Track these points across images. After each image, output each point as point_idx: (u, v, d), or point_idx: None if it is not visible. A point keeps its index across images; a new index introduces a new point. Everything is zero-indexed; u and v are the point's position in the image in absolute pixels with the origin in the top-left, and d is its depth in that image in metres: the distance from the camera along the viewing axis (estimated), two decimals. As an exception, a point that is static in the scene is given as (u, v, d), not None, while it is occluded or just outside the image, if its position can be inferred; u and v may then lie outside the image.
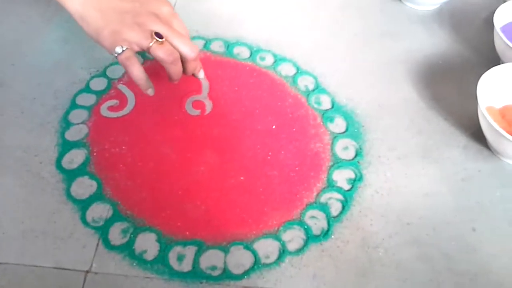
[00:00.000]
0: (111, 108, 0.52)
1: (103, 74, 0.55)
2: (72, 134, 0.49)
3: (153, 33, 0.44)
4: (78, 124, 0.50)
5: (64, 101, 0.52)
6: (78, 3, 0.44)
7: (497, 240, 0.44)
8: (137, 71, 0.45)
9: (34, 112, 0.51)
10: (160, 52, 0.44)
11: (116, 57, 0.44)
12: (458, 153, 0.50)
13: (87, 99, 0.52)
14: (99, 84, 0.54)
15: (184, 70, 0.48)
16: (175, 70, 0.46)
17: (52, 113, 0.51)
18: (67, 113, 0.51)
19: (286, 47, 0.59)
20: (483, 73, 0.49)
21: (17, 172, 0.46)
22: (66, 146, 0.48)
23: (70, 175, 0.46)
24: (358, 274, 0.41)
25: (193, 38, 0.59)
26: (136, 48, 0.44)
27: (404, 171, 0.48)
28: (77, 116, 0.51)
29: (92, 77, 0.54)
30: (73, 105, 0.51)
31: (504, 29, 0.56)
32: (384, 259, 0.42)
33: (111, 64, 0.56)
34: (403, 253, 0.43)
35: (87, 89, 0.53)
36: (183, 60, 0.47)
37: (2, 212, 0.43)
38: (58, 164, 0.47)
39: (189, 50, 0.46)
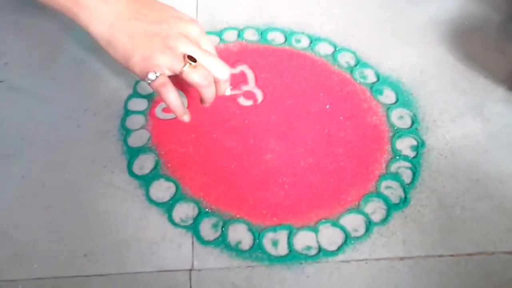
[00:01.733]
0: (166, 110, 0.52)
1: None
2: (135, 141, 0.49)
3: (186, 56, 0.42)
4: (138, 130, 0.50)
5: (117, 109, 0.52)
6: (104, 28, 0.43)
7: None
8: (173, 98, 0.44)
9: (89, 123, 0.50)
10: (194, 76, 0.42)
11: (149, 84, 0.43)
12: (504, 107, 0.52)
13: (139, 104, 0.52)
14: (146, 87, 0.53)
15: (216, 91, 0.47)
16: (210, 93, 0.45)
17: (108, 122, 0.51)
18: (123, 120, 0.51)
19: (317, 26, 0.60)
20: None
21: (91, 185, 0.46)
22: (132, 152, 0.48)
23: (145, 180, 0.46)
24: (443, 233, 0.44)
25: (225, 29, 0.59)
26: (168, 73, 0.43)
27: (460, 132, 0.50)
28: (135, 122, 0.51)
29: (137, 81, 0.54)
30: (127, 112, 0.51)
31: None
32: (463, 216, 0.45)
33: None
34: (478, 208, 0.45)
35: (135, 94, 0.53)
36: (215, 81, 0.45)
37: (89, 227, 0.43)
38: (131, 172, 0.47)
39: (223, 72, 0.44)
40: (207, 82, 0.43)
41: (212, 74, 0.43)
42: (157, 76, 0.42)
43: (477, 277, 0.41)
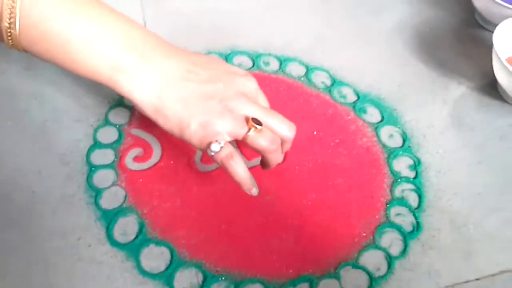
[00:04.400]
0: (137, 159, 0.45)
1: (107, 122, 0.47)
2: (109, 202, 0.42)
3: (250, 119, 0.36)
4: (109, 187, 0.43)
5: (78, 165, 0.44)
6: (151, 94, 0.37)
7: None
8: (243, 171, 0.38)
9: (47, 188, 0.42)
10: (261, 141, 0.37)
11: (212, 156, 0.37)
12: (484, 113, 0.52)
13: (104, 156, 0.45)
14: (108, 135, 0.46)
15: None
16: (278, 156, 0.39)
17: (70, 183, 0.42)
18: (89, 178, 0.43)
19: (283, 46, 0.56)
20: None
21: (68, 267, 0.38)
22: (109, 217, 0.41)
23: (132, 249, 0.39)
24: (463, 256, 0.42)
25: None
26: (229, 139, 0.37)
27: (451, 145, 0.49)
28: (103, 179, 0.43)
29: (96, 129, 0.46)
30: (92, 167, 0.44)
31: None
32: (476, 234, 0.43)
33: (111, 108, 0.48)
34: (489, 223, 0.44)
35: (97, 144, 0.45)
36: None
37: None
38: (112, 241, 0.40)
39: (290, 131, 0.39)
40: (275, 147, 0.38)
41: (279, 136, 0.38)
42: (221, 147, 0.36)
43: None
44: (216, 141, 0.36)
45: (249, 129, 0.37)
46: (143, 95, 0.37)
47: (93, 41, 0.36)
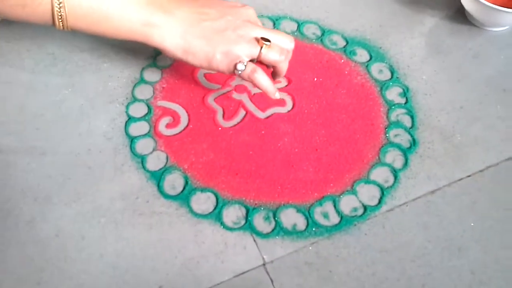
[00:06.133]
0: (169, 126, 0.52)
1: (135, 99, 0.54)
2: (154, 164, 0.49)
3: (260, 39, 0.45)
4: (151, 153, 0.50)
5: (120, 139, 0.51)
6: (178, 38, 0.45)
7: None
8: (266, 80, 0.47)
9: (99, 162, 0.49)
10: (272, 54, 0.46)
11: (239, 75, 0.46)
12: (457, 38, 0.60)
13: (141, 128, 0.52)
14: (138, 109, 0.53)
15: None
16: (286, 66, 0.48)
17: (118, 155, 0.50)
18: (132, 148, 0.50)
19: (274, 6, 0.62)
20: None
21: (133, 221, 0.46)
22: (157, 176, 0.48)
23: (183, 198, 0.47)
24: (455, 161, 0.50)
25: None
26: (248, 59, 0.45)
27: (432, 69, 0.57)
28: (144, 146, 0.50)
29: (127, 106, 0.53)
30: (132, 139, 0.51)
31: None
32: (464, 141, 0.51)
33: (135, 86, 0.55)
34: (473, 130, 0.52)
35: (132, 118, 0.52)
36: None
37: (151, 260, 0.43)
38: (165, 195, 0.47)
39: (291, 42, 0.48)
40: (284, 56, 0.46)
41: (284, 47, 0.47)
42: (245, 66, 0.45)
43: (492, 187, 0.48)
44: (240, 61, 0.45)
45: (261, 47, 0.45)
46: (173, 41, 0.45)
47: (125, 7, 0.44)
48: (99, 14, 0.44)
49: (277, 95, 0.49)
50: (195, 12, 0.46)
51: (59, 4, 0.42)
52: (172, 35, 0.45)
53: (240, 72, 0.45)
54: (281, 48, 0.46)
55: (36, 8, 0.43)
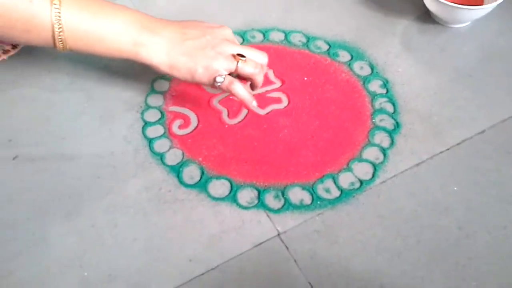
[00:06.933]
0: (181, 127, 0.58)
1: (148, 106, 0.60)
2: (172, 159, 0.55)
3: (236, 55, 0.51)
4: (168, 150, 0.56)
5: (139, 142, 0.57)
6: (164, 56, 0.51)
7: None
8: (243, 90, 0.52)
9: (122, 161, 0.55)
10: (248, 67, 0.52)
11: (219, 86, 0.52)
12: (426, 35, 0.68)
13: (157, 130, 0.58)
14: (153, 115, 0.59)
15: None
16: (262, 77, 0.54)
17: (138, 154, 0.56)
18: (150, 148, 0.56)
19: (262, 20, 0.70)
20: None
21: (160, 208, 0.51)
22: (176, 169, 0.54)
23: (201, 186, 0.53)
24: (435, 137, 0.57)
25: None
26: (226, 72, 0.51)
27: (406, 63, 0.65)
28: (162, 146, 0.56)
29: (142, 113, 0.60)
30: (150, 140, 0.57)
31: None
32: (439, 120, 0.59)
33: (147, 96, 0.61)
34: (447, 110, 0.60)
35: (147, 123, 0.59)
36: None
37: (180, 239, 0.49)
38: (185, 184, 0.53)
39: (264, 57, 0.54)
40: (258, 70, 0.53)
41: (258, 62, 0.53)
42: (223, 78, 0.51)
43: (468, 157, 0.56)
44: (219, 75, 0.51)
45: (237, 62, 0.51)
46: (159, 58, 0.51)
47: (117, 30, 0.50)
48: (94, 36, 0.49)
49: (254, 103, 0.54)
50: (178, 32, 0.52)
51: (59, 29, 0.48)
52: (158, 52, 0.51)
53: (219, 84, 0.51)
54: (255, 63, 0.52)
55: (39, 33, 0.48)
